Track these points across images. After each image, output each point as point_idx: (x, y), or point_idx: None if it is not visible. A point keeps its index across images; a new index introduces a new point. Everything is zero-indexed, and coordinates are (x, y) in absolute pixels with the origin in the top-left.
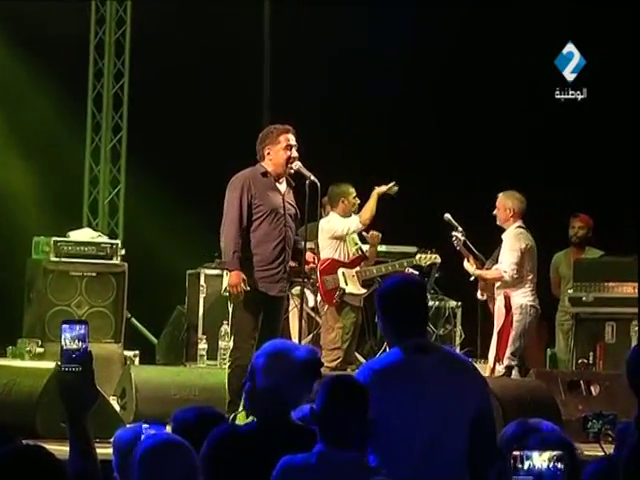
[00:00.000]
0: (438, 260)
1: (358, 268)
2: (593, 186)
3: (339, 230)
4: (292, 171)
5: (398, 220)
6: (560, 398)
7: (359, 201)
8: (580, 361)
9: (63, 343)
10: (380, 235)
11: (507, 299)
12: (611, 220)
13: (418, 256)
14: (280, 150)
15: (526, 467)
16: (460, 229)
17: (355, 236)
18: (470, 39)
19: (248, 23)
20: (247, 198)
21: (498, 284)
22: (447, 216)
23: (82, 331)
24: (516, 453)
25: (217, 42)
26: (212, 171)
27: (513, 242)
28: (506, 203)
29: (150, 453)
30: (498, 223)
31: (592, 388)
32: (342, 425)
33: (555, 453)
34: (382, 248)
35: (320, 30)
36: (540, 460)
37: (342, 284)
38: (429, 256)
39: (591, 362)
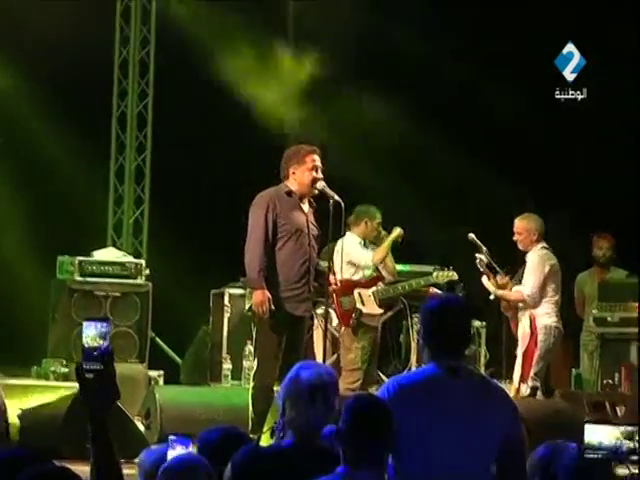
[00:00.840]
0: (455, 277)
1: (375, 288)
2: (598, 192)
3: (354, 259)
4: (316, 191)
5: (417, 239)
6: (585, 419)
7: (383, 232)
8: (605, 382)
9: (84, 341)
10: (402, 232)
11: (532, 320)
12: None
13: (435, 274)
14: (306, 170)
15: None
16: (485, 249)
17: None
18: (470, 39)
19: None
20: (272, 216)
21: (521, 305)
22: (471, 236)
23: (103, 329)
24: None
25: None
26: (237, 190)
27: (537, 264)
28: (529, 227)
29: (170, 473)
30: (521, 248)
31: (617, 409)
32: (364, 446)
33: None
34: (399, 267)
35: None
36: None
37: (359, 305)
38: (446, 273)
39: (616, 383)
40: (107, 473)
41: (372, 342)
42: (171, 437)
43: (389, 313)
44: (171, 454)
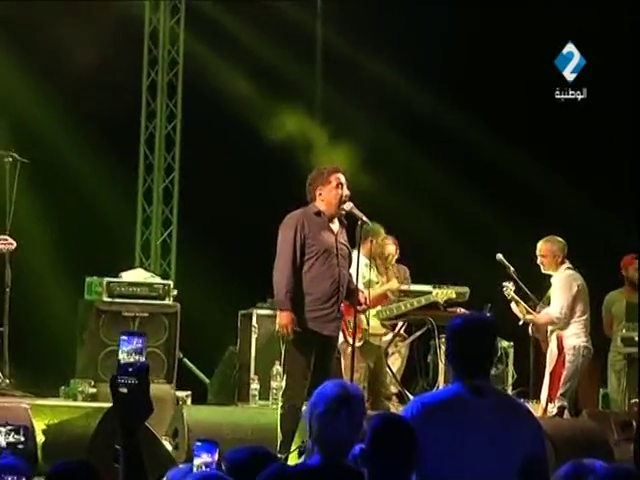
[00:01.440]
0: (454, 295)
1: (379, 307)
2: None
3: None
4: (344, 212)
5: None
6: (613, 439)
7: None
8: (633, 401)
9: (120, 356)
10: (398, 286)
11: (560, 340)
12: None
13: (435, 292)
14: (332, 189)
15: None
16: (512, 269)
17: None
18: (470, 39)
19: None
20: (300, 237)
21: (550, 327)
22: (499, 256)
23: (139, 345)
24: None
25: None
26: (265, 210)
27: (564, 285)
28: (552, 248)
29: None
30: (545, 271)
31: None
32: (387, 466)
33: None
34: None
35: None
36: None
37: (364, 325)
38: (445, 291)
39: None
40: (132, 473)
41: (376, 361)
42: (197, 443)
43: (417, 333)
44: (197, 462)
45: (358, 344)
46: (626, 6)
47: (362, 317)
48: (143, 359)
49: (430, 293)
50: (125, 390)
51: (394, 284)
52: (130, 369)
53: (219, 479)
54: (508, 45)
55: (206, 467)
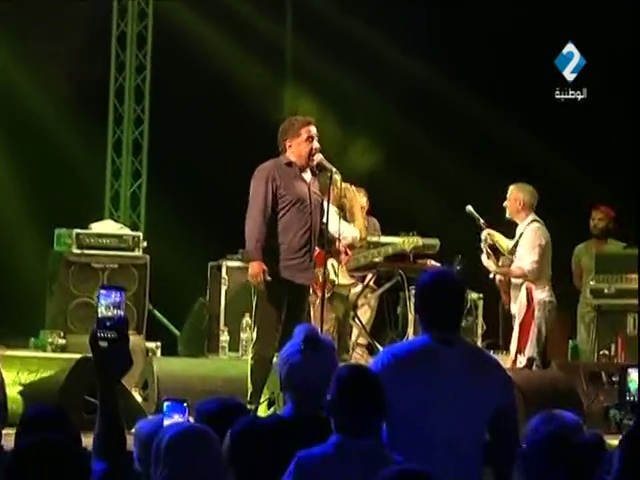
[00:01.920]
0: (420, 244)
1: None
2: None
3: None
4: (314, 163)
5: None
6: (582, 389)
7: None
8: (602, 352)
9: (99, 310)
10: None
11: (529, 291)
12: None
13: (401, 239)
14: (302, 142)
15: None
16: (482, 221)
17: None
18: (470, 39)
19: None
20: (272, 188)
21: (517, 280)
22: (469, 208)
23: (118, 298)
24: None
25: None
26: (235, 162)
27: (534, 239)
28: (517, 195)
29: (176, 441)
30: (507, 215)
31: (613, 379)
32: (354, 415)
33: None
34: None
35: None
36: None
37: (332, 276)
38: (411, 239)
39: (612, 354)
40: (114, 441)
41: (345, 312)
42: (166, 403)
43: (386, 285)
44: (168, 423)
45: (327, 295)
46: (626, 6)
47: (330, 268)
48: (122, 313)
49: (395, 243)
50: (105, 344)
51: (359, 233)
52: (109, 323)
53: (196, 429)
54: (508, 45)
55: None
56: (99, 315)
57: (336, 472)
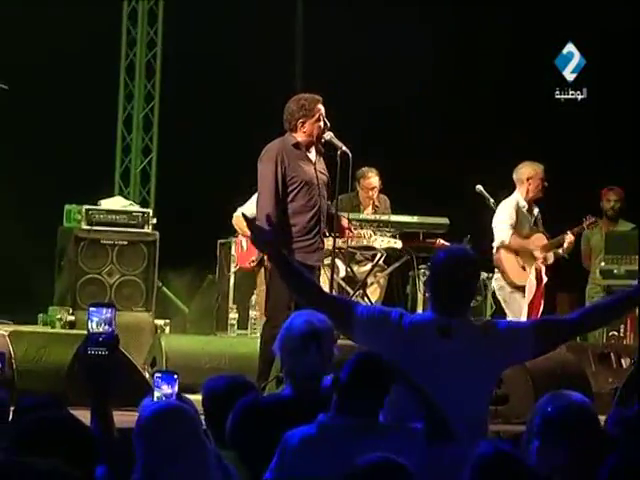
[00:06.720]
0: (398, 246)
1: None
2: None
3: None
4: (323, 141)
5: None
6: (590, 370)
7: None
8: (610, 334)
9: (89, 327)
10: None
11: (539, 272)
12: None
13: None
14: (315, 122)
15: None
16: (492, 201)
17: None
18: (470, 39)
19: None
20: (281, 170)
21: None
22: (479, 187)
23: (109, 314)
24: None
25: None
26: (246, 140)
27: None
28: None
29: (148, 422)
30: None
31: (622, 360)
32: (362, 398)
33: None
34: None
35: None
36: None
37: None
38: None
39: (621, 334)
40: (108, 447)
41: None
42: (157, 374)
43: (396, 264)
44: (157, 394)
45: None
46: (626, 6)
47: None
48: (112, 329)
49: (409, 222)
50: (96, 361)
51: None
52: (100, 339)
53: (167, 408)
54: (508, 45)
55: (166, 398)
56: (90, 331)
57: (319, 451)
